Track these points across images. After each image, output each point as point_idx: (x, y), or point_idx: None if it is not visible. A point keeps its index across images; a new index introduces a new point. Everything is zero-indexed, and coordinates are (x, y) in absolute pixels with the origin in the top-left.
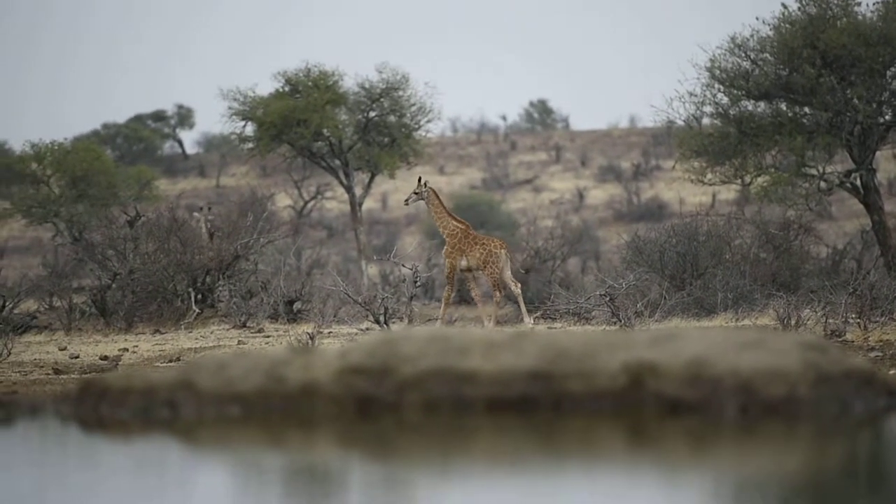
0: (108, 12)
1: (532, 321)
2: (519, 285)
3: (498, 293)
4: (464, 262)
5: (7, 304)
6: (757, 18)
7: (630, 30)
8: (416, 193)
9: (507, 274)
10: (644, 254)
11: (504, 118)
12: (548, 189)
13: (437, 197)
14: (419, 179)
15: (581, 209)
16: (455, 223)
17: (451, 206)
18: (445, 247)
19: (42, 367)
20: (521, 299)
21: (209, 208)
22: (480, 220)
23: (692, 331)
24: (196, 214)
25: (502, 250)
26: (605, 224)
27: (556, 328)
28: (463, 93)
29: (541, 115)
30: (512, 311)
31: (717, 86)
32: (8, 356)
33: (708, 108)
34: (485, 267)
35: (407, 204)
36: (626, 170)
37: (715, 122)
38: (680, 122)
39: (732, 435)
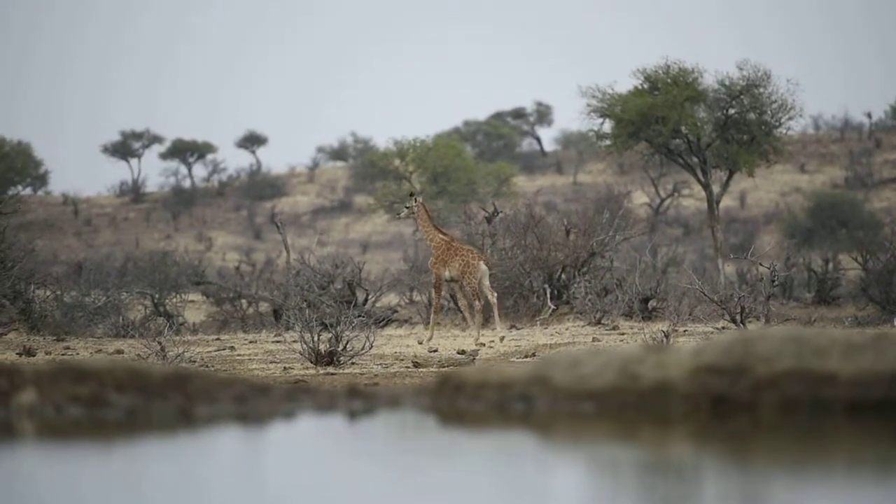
0: (467, 13)
1: (503, 331)
2: (495, 294)
3: (477, 301)
4: (447, 273)
5: (369, 297)
6: None
7: None
8: (407, 208)
9: (486, 283)
10: None
11: (869, 115)
12: None
13: (426, 211)
14: (410, 195)
15: None
16: (441, 236)
17: (811, 205)
18: (431, 258)
19: (402, 360)
20: (496, 308)
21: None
22: (842, 219)
23: None
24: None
25: (480, 262)
26: None
27: None
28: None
29: None
30: (873, 312)
31: None
32: (370, 349)
33: None
34: (462, 276)
35: (399, 217)
36: None
37: None
38: None
39: None
